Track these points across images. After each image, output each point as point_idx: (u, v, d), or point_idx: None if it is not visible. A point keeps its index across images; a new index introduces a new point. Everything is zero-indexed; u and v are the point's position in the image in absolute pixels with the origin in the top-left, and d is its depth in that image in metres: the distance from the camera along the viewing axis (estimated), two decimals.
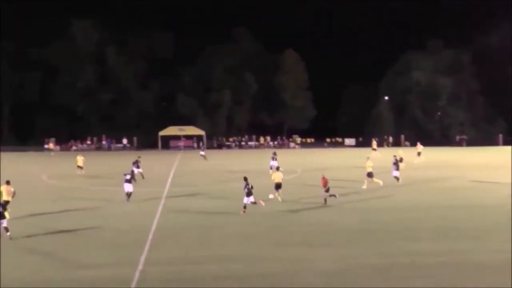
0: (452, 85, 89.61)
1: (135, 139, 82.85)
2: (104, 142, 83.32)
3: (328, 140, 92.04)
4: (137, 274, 16.15)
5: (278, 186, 28.59)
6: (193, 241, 19.96)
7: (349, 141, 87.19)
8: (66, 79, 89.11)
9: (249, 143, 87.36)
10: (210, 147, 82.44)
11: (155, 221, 23.41)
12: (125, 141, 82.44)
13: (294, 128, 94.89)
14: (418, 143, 56.58)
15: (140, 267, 16.86)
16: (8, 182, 24.95)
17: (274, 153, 44.09)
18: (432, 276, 15.95)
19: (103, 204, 27.71)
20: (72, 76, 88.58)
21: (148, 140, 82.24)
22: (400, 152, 45.98)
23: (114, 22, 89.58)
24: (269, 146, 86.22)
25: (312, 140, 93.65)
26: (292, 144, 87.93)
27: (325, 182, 26.43)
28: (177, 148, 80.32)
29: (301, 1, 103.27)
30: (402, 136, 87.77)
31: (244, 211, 24.41)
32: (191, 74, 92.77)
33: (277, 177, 28.67)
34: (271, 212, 25.58)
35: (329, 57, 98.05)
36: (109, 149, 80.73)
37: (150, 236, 20.20)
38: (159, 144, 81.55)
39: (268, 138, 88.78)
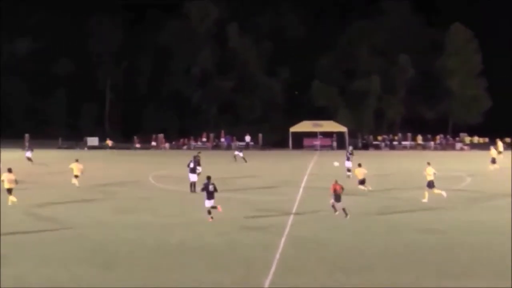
0: None
1: (260, 136, 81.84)
2: (223, 140, 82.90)
3: (508, 140, 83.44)
4: None
5: (362, 182, 34.34)
6: (329, 263, 19.52)
7: None
8: (179, 64, 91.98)
9: (403, 142, 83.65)
10: (353, 147, 77.86)
11: (284, 236, 23.02)
12: (248, 138, 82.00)
13: (462, 124, 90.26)
14: (498, 141, 54.32)
15: None
16: (10, 170, 29.77)
17: (351, 153, 44.68)
18: None
19: (224, 215, 26.74)
20: (187, 60, 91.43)
21: (276, 137, 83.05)
22: (493, 152, 47.75)
23: None
24: (428, 147, 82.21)
25: (486, 139, 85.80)
26: (458, 145, 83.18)
27: (335, 189, 26.41)
28: (312, 147, 79.28)
29: None
30: None
31: (211, 218, 25.10)
32: (329, 56, 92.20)
33: (359, 173, 34.75)
34: (423, 228, 24.89)
35: (510, 33, 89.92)
36: (228, 147, 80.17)
37: (277, 255, 20.15)
38: (290, 143, 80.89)
39: (437, 138, 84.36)
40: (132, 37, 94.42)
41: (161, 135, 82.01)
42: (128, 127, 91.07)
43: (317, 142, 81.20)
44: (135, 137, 79.86)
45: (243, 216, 26.94)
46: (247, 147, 79.95)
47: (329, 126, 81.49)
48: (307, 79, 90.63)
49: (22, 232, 23.37)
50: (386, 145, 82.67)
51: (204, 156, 50.54)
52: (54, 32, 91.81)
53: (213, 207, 25.34)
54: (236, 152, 57.88)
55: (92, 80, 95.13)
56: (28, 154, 54.13)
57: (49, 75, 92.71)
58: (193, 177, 33.50)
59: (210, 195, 25.25)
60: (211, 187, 25.19)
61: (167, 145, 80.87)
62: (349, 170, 41.88)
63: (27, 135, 76.19)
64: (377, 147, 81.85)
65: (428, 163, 32.63)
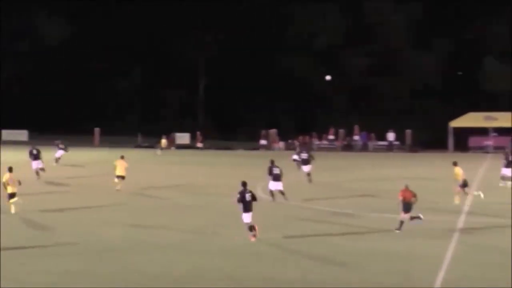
0: None
1: (408, 133, 78.27)
2: (356, 137, 79.80)
3: None
4: None
5: (464, 184, 34.35)
6: None
7: None
8: (295, 35, 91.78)
9: None
10: None
11: (442, 272, 21.53)
12: (391, 136, 78.72)
13: None
14: None
15: None
16: (10, 169, 31.88)
17: (507, 155, 44.77)
18: None
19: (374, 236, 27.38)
20: (305, 29, 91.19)
21: (431, 135, 79.74)
22: None
23: None
24: None
25: None
26: None
27: (404, 196, 27.05)
28: (482, 149, 75.01)
29: None
30: None
31: (254, 235, 25.32)
32: (506, 19, 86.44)
33: (459, 173, 34.40)
34: None
35: None
36: (364, 148, 78.56)
37: None
38: (450, 142, 77.34)
39: None
40: None
41: (273, 131, 79.70)
42: (227, 119, 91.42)
43: (489, 142, 77.07)
44: (197, 133, 79.52)
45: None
46: (389, 147, 78.01)
47: (507, 119, 76.21)
48: (475, 54, 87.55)
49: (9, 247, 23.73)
50: None
51: (332, 159, 56.06)
52: None
53: (251, 228, 25.90)
54: (295, 157, 51.58)
55: (176, 58, 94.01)
56: (59, 154, 54.78)
57: (117, 53, 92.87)
58: (274, 185, 35.14)
59: (247, 207, 25.58)
60: (248, 196, 25.62)
61: (281, 144, 78.36)
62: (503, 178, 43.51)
63: (97, 130, 78.78)
64: None
65: None
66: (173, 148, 76.29)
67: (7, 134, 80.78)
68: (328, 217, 31.00)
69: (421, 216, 27.73)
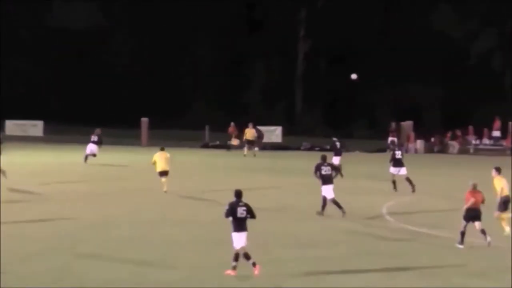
0: None
1: None
2: None
3: None
4: None
5: (505, 204, 32.50)
6: None
7: None
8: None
9: None
10: None
11: None
12: None
13: None
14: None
15: None
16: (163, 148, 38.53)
17: None
18: None
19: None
20: None
21: None
22: None
23: None
24: None
25: None
26: None
27: (468, 199, 26.39)
28: None
29: None
30: None
31: (234, 269, 21.64)
32: None
33: (500, 186, 32.27)
34: None
35: None
36: None
37: None
38: None
39: None
40: None
41: (407, 124, 73.59)
42: (338, 105, 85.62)
43: None
44: (231, 125, 72.21)
45: None
46: None
47: None
48: None
49: None
50: None
51: (484, 167, 43.25)
52: None
53: (246, 257, 21.75)
54: (335, 159, 50.35)
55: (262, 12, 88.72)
56: (91, 149, 52.72)
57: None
58: (325, 190, 32.99)
59: (239, 225, 21.67)
60: (241, 211, 21.50)
61: (418, 142, 72.35)
62: None
63: (144, 121, 72.70)
64: None
65: None
66: (256, 149, 65.51)
67: (13, 126, 74.53)
68: (404, 235, 28.47)
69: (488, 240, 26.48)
